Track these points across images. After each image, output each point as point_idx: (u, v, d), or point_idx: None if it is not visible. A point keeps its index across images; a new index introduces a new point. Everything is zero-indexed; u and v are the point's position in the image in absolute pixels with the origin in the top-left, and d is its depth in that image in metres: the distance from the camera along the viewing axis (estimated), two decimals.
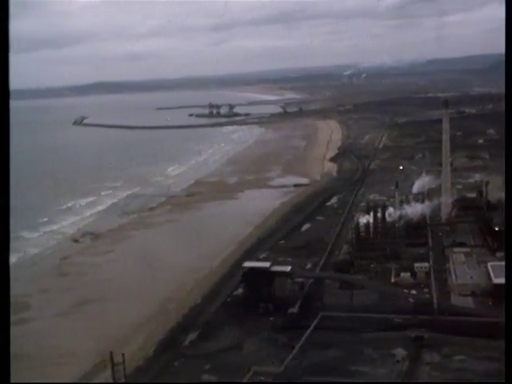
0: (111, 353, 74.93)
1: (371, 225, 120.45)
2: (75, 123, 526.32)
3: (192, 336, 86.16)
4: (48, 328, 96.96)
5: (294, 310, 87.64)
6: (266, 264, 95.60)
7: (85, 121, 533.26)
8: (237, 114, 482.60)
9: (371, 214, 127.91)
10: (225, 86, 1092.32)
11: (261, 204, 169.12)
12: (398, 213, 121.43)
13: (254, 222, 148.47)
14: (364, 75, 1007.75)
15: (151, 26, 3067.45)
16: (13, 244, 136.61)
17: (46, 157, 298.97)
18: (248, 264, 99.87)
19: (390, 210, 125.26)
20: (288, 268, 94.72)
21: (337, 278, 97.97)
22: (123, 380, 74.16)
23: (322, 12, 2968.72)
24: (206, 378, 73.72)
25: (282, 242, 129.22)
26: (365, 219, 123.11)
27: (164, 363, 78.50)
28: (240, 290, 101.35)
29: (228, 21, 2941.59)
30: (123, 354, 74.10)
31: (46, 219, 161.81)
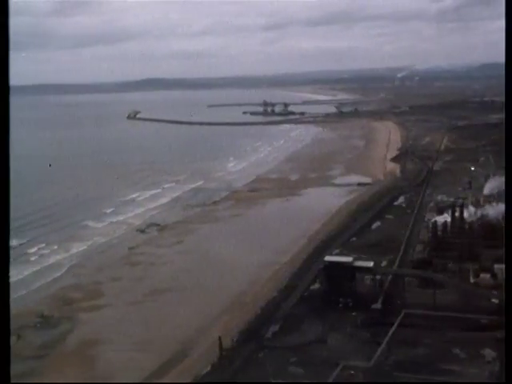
0: (220, 338, 75.11)
1: (449, 224, 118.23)
2: (129, 117, 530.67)
3: (273, 329, 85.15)
4: (124, 315, 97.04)
5: (378, 306, 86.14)
6: (349, 259, 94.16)
7: (138, 115, 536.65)
8: (291, 113, 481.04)
9: (444, 213, 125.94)
10: (276, 86, 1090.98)
11: (326, 201, 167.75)
12: (478, 213, 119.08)
13: (321, 219, 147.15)
14: (417, 78, 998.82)
15: (204, 25, 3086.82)
16: (79, 232, 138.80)
17: (106, 149, 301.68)
18: (329, 258, 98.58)
19: (471, 209, 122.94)
20: (371, 264, 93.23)
21: (421, 275, 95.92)
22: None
23: (376, 14, 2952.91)
24: (292, 370, 72.82)
25: (354, 239, 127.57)
26: (442, 218, 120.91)
27: (248, 354, 77.63)
28: (317, 285, 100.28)
29: (281, 20, 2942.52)
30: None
31: (111, 210, 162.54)
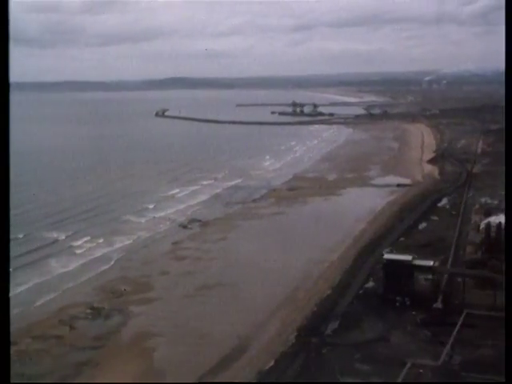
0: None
1: (503, 226, 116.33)
2: (157, 115, 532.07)
3: (333, 326, 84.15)
4: (176, 309, 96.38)
5: (439, 305, 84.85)
6: (408, 257, 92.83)
7: (166, 113, 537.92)
8: (320, 114, 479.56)
9: (492, 216, 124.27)
10: (302, 87, 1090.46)
11: (367, 201, 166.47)
12: None
13: (365, 219, 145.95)
14: (445, 81, 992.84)
15: (231, 25, 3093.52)
16: (122, 227, 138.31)
17: (138, 146, 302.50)
18: (388, 256, 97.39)
19: None
20: (430, 263, 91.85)
21: (483, 276, 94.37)
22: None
23: (404, 16, 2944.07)
24: (358, 366, 71.78)
25: (402, 239, 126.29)
26: (494, 219, 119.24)
27: (310, 350, 76.68)
28: (371, 284, 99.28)
29: (309, 22, 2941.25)
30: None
31: (152, 205, 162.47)
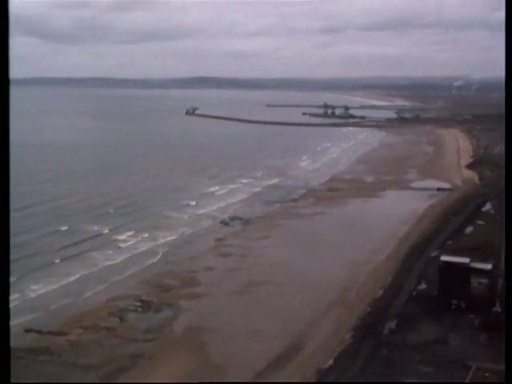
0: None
1: None
2: (187, 113, 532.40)
3: (389, 326, 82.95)
4: (226, 305, 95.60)
5: (498, 309, 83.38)
6: (466, 260, 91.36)
7: (196, 111, 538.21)
8: (352, 116, 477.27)
9: None
10: (329, 89, 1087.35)
11: (408, 204, 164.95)
12: None
13: (409, 222, 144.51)
14: (474, 87, 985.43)
15: (261, 25, 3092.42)
16: (164, 222, 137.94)
17: (172, 143, 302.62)
18: (445, 258, 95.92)
19: None
20: (488, 266, 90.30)
21: None
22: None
23: (434, 21, 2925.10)
24: (420, 368, 70.55)
25: (450, 242, 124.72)
26: None
27: (370, 350, 75.53)
28: (424, 285, 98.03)
29: (339, 24, 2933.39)
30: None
31: (193, 202, 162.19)
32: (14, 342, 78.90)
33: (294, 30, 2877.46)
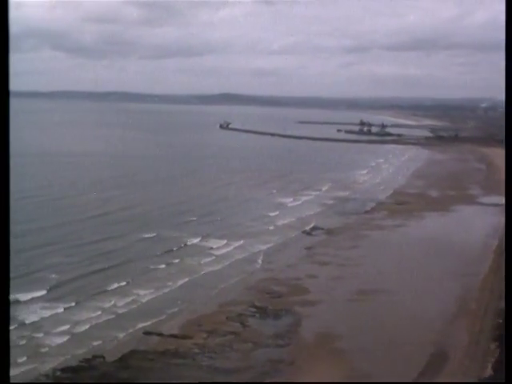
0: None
1: None
2: (221, 127, 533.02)
3: None
4: (345, 312, 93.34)
5: None
6: None
7: (230, 126, 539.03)
8: (388, 134, 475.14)
9: None
10: (353, 108, 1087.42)
11: (486, 218, 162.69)
12: None
13: (494, 235, 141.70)
14: (500, 109, 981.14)
15: (286, 43, 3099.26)
16: (249, 231, 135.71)
17: (220, 155, 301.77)
18: None
19: None
20: None
21: None
22: None
23: (460, 42, 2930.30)
24: None
25: None
26: None
27: None
28: None
29: (364, 43, 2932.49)
30: None
31: (271, 213, 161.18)
32: (138, 344, 77.24)
33: (319, 48, 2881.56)
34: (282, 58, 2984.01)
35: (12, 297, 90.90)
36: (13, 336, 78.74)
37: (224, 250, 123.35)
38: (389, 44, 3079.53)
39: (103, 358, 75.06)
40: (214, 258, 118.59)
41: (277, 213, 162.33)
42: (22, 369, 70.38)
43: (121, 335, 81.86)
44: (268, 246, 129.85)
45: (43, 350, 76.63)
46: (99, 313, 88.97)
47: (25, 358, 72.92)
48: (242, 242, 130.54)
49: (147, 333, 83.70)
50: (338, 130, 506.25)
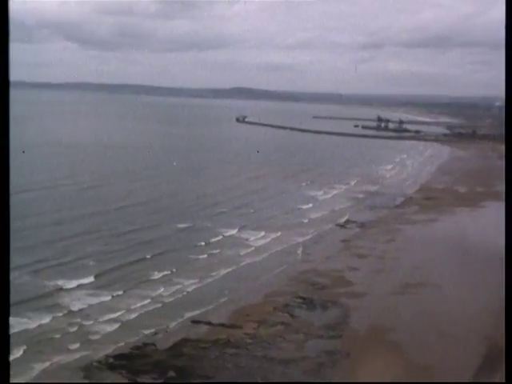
0: None
1: None
2: (238, 120, 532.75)
3: None
4: (393, 305, 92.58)
5: None
6: None
7: (246, 119, 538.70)
8: (406, 130, 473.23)
9: None
10: (368, 104, 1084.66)
11: None
12: None
13: None
14: None
15: (300, 39, 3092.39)
16: (284, 223, 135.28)
17: (241, 147, 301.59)
18: None
19: None
20: None
21: None
22: None
23: (474, 40, 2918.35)
24: None
25: None
26: None
27: None
28: None
29: (379, 40, 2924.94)
30: None
31: (303, 206, 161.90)
32: (188, 333, 76.87)
33: (334, 44, 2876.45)
34: (296, 53, 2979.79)
35: (53, 283, 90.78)
36: (62, 323, 78.67)
37: (262, 242, 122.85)
38: (403, 41, 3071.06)
39: (155, 345, 74.51)
40: (252, 249, 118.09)
41: (309, 206, 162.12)
42: (76, 356, 69.94)
43: (170, 324, 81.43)
44: (305, 238, 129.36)
45: (94, 337, 76.34)
46: (146, 301, 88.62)
47: (78, 345, 72.48)
48: (279, 233, 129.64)
49: (195, 321, 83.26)
50: (355, 126, 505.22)
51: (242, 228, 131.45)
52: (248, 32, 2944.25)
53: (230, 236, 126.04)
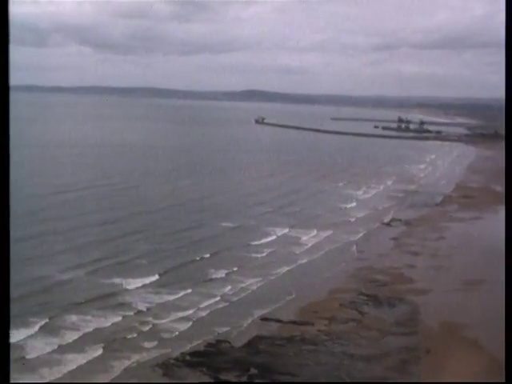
0: None
1: None
2: (257, 122, 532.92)
3: None
4: (461, 302, 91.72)
5: None
6: None
7: (265, 121, 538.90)
8: (427, 131, 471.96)
9: None
10: (382, 106, 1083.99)
11: None
12: None
13: None
14: None
15: (313, 41, 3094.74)
16: (332, 222, 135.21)
17: (267, 148, 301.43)
18: None
19: None
20: None
21: None
22: None
23: (489, 41, 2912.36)
24: None
25: None
26: None
27: None
28: None
29: (393, 42, 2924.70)
30: None
31: (347, 205, 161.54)
32: (260, 330, 76.61)
33: (348, 46, 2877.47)
34: (310, 55, 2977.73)
35: (109, 281, 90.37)
36: (134, 322, 78.27)
37: (315, 241, 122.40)
38: (417, 42, 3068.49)
39: (229, 343, 74.04)
40: (307, 247, 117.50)
41: (352, 205, 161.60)
42: (154, 354, 69.51)
43: (240, 321, 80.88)
44: (356, 236, 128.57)
45: (168, 335, 75.81)
46: (213, 300, 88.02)
47: (154, 343, 72.12)
48: (329, 232, 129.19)
49: (265, 319, 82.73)
50: (375, 127, 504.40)
51: (293, 227, 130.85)
52: (262, 35, 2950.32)
53: (282, 235, 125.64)
